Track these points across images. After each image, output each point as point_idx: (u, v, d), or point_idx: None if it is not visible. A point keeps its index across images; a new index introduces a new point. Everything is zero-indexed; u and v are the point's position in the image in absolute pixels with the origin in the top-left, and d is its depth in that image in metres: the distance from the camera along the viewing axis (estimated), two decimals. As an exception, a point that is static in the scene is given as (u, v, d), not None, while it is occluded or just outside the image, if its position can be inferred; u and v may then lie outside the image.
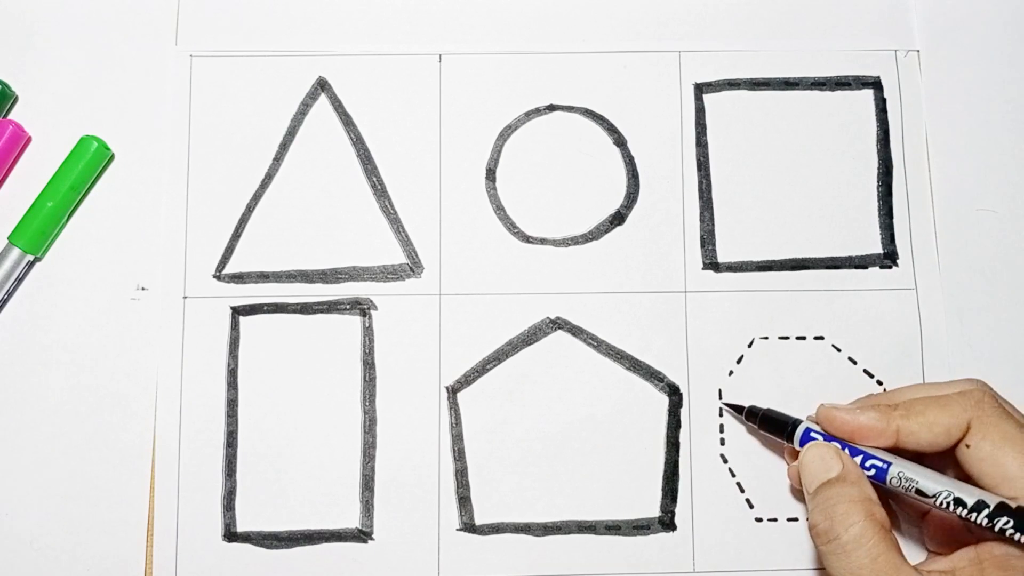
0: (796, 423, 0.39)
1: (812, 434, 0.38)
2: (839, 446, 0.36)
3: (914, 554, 0.40)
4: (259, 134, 0.44)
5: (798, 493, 0.41)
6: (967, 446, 0.34)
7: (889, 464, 0.35)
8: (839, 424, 0.37)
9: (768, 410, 0.40)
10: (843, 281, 0.43)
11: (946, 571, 0.34)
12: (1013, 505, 0.32)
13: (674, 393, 0.42)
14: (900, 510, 0.40)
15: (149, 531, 0.41)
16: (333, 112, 0.44)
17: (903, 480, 0.35)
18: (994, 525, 0.32)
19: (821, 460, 0.36)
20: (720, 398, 0.42)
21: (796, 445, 0.38)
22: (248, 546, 0.41)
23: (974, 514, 0.33)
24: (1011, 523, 0.32)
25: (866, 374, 0.42)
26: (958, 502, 0.33)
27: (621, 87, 0.45)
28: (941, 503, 0.33)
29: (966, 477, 0.35)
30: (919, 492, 0.34)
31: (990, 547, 0.34)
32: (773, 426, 0.40)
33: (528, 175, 0.44)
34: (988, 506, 0.32)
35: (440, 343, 0.42)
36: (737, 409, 0.41)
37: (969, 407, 0.35)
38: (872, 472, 0.36)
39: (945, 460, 0.36)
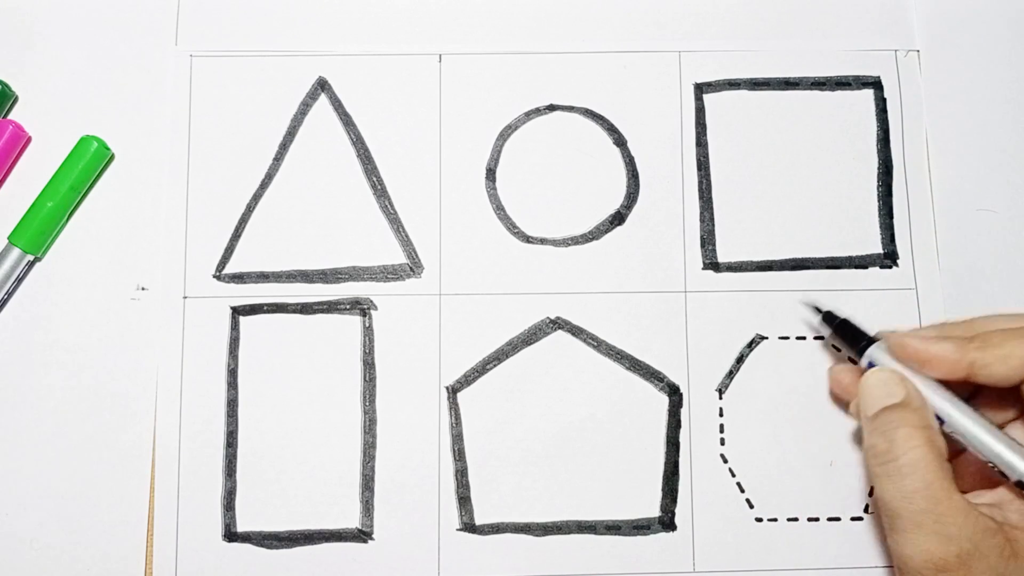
0: (871, 341, 0.38)
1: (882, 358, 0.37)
2: (903, 373, 0.36)
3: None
4: (259, 134, 0.44)
5: (798, 492, 0.41)
6: None
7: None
8: (911, 351, 0.36)
9: (847, 320, 0.39)
10: (843, 281, 0.43)
11: (992, 503, 0.34)
12: None
13: (674, 393, 0.42)
14: None
15: (149, 531, 0.41)
16: (333, 112, 0.44)
17: (962, 437, 0.34)
18: None
19: (884, 385, 0.35)
20: (720, 398, 0.42)
21: (863, 363, 0.38)
22: (248, 546, 0.41)
23: None
24: None
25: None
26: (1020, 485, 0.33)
27: (621, 87, 0.45)
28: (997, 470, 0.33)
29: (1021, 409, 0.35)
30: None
31: None
32: (846, 337, 0.39)
33: (528, 175, 0.44)
34: None
35: (440, 343, 0.42)
36: (815, 309, 0.40)
37: None
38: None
39: (1009, 394, 0.36)
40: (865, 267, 0.43)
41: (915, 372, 0.36)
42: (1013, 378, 0.34)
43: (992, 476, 0.35)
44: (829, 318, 0.40)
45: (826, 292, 0.43)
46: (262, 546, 0.41)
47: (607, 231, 0.44)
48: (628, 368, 0.42)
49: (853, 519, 0.41)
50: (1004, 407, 0.37)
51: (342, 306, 0.43)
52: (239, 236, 0.43)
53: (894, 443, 0.34)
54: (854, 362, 0.39)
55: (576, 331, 0.43)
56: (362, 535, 0.41)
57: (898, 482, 0.33)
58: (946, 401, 0.35)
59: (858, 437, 0.42)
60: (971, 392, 0.37)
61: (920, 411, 0.35)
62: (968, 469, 0.38)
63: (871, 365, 0.37)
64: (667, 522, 0.41)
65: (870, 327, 0.42)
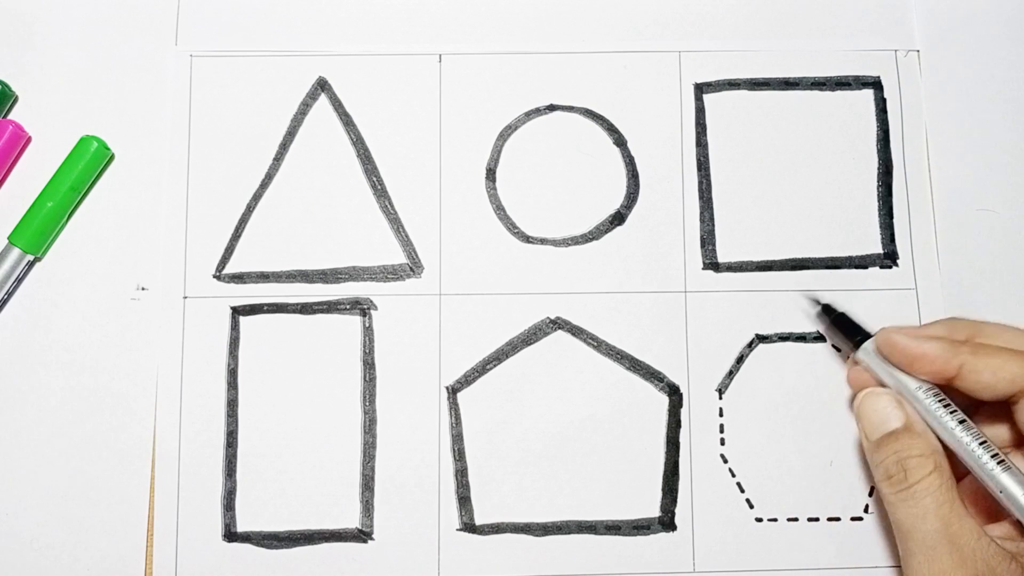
0: (865, 338, 0.38)
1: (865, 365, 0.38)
2: (896, 394, 0.36)
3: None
4: (259, 134, 0.44)
5: (798, 492, 0.41)
6: None
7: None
8: (901, 349, 0.36)
9: (843, 314, 0.39)
10: (843, 281, 0.43)
11: (1003, 536, 0.34)
12: None
13: (674, 393, 0.42)
14: None
15: (149, 531, 0.41)
16: (333, 112, 0.44)
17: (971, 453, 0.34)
18: None
19: (882, 410, 0.36)
20: (720, 398, 0.42)
21: (857, 356, 0.38)
22: (248, 546, 0.41)
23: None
24: None
25: (866, 374, 0.42)
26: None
27: (621, 87, 0.45)
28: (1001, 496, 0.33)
29: (1017, 435, 0.35)
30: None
31: None
32: (843, 331, 0.39)
33: (528, 175, 0.44)
34: None
35: (440, 343, 0.42)
36: (813, 301, 0.41)
37: None
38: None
39: (996, 412, 0.36)
40: (865, 267, 0.43)
41: (906, 374, 0.36)
42: (1000, 391, 0.34)
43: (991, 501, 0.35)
44: (827, 310, 0.40)
45: (826, 292, 0.43)
46: (262, 546, 0.41)
47: (607, 231, 0.44)
48: (628, 368, 0.42)
49: (853, 519, 0.41)
50: (996, 426, 0.37)
51: (342, 306, 0.43)
52: (239, 236, 0.43)
53: (908, 471, 0.34)
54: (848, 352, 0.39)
55: (576, 331, 0.43)
56: (362, 535, 0.41)
57: (913, 507, 0.34)
58: (943, 414, 0.35)
59: (858, 437, 0.42)
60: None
61: (925, 435, 0.35)
62: (969, 495, 0.38)
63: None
64: (667, 522, 0.41)
65: (870, 326, 0.42)
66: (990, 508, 0.36)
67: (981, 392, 0.34)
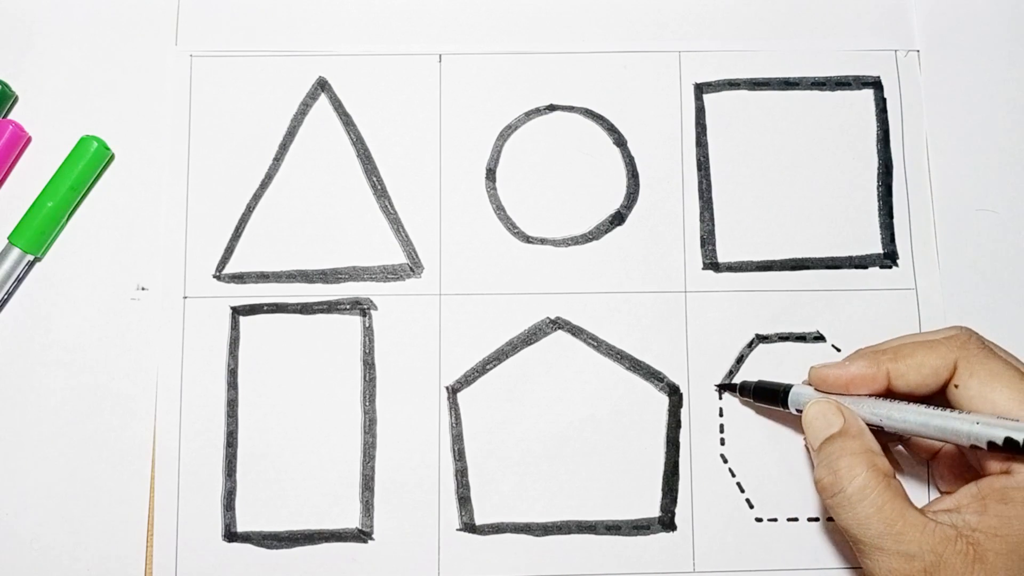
0: (787, 388, 0.39)
1: (804, 393, 0.38)
2: (839, 402, 0.37)
3: (921, 497, 0.41)
4: (259, 134, 0.44)
5: (798, 492, 0.41)
6: (955, 386, 0.35)
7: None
8: (832, 379, 0.37)
9: (759, 381, 0.41)
10: (843, 281, 0.43)
11: (950, 509, 0.34)
12: (1019, 437, 0.32)
13: (674, 393, 0.42)
14: (910, 453, 0.41)
15: (149, 531, 0.41)
16: (333, 112, 0.44)
17: (901, 421, 0.35)
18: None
19: (823, 416, 0.36)
20: (720, 398, 0.42)
21: (791, 410, 0.39)
22: (248, 546, 0.41)
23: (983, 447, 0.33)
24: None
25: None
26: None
27: (621, 87, 0.45)
28: (960, 440, 0.34)
29: None
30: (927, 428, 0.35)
31: (990, 481, 0.34)
32: (766, 396, 0.40)
33: (528, 175, 0.44)
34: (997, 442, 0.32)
35: (440, 343, 0.42)
36: (730, 388, 0.42)
37: (955, 348, 0.36)
38: (876, 419, 0.36)
39: (937, 403, 0.36)
40: (865, 267, 0.43)
41: (845, 397, 0.37)
42: (929, 385, 0.36)
43: (967, 464, 0.36)
44: (744, 390, 0.41)
45: (826, 292, 0.43)
46: (262, 546, 0.41)
47: (607, 231, 0.44)
48: (628, 368, 0.42)
49: (853, 519, 0.41)
50: None
51: (342, 306, 0.43)
52: (239, 236, 0.43)
53: (838, 473, 0.35)
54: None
55: (576, 331, 0.43)
56: (362, 535, 0.41)
57: (850, 511, 0.34)
58: (879, 404, 0.36)
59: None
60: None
61: (859, 437, 0.35)
62: (946, 469, 0.39)
63: (799, 411, 0.38)
64: (667, 522, 0.41)
65: (868, 329, 0.43)
66: (965, 471, 0.37)
67: (915, 391, 0.36)
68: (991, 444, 0.32)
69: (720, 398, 0.42)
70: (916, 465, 0.41)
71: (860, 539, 0.34)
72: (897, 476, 0.35)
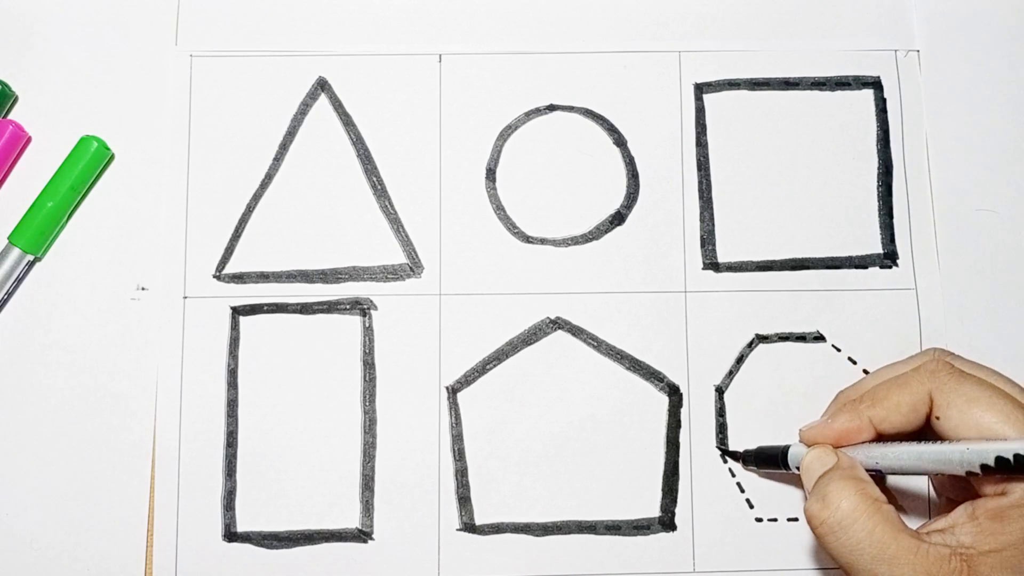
0: (785, 450, 0.39)
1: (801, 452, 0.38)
2: (832, 448, 0.37)
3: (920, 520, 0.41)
4: (259, 134, 0.44)
5: (798, 492, 0.41)
6: (937, 418, 0.35)
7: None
8: (821, 439, 0.37)
9: (758, 449, 0.41)
10: (843, 281, 0.43)
11: (943, 529, 0.34)
12: (1008, 455, 0.32)
13: (674, 393, 0.42)
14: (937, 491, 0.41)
15: (149, 531, 0.41)
16: (333, 112, 0.44)
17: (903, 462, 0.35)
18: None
19: (818, 459, 0.36)
20: (720, 398, 0.42)
21: (792, 469, 0.39)
22: (248, 546, 0.41)
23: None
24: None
25: (866, 374, 0.42)
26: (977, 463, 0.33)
27: (621, 87, 0.45)
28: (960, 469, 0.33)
29: None
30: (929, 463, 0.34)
31: (984, 501, 0.34)
32: (767, 461, 0.40)
33: (528, 175, 0.44)
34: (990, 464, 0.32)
35: (440, 343, 0.42)
36: (733, 456, 0.42)
37: (925, 380, 0.35)
38: (873, 463, 0.36)
39: (929, 436, 0.36)
40: (865, 267, 0.43)
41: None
42: (912, 422, 0.36)
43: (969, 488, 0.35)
44: (746, 458, 0.41)
45: (826, 292, 0.43)
46: (262, 546, 0.41)
47: (607, 231, 0.44)
48: (628, 368, 0.42)
49: (853, 519, 0.41)
50: None
51: (342, 306, 0.43)
52: (239, 236, 0.43)
53: (826, 500, 0.34)
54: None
55: (576, 331, 0.43)
56: (362, 535, 0.41)
57: (841, 538, 0.33)
58: (872, 449, 0.36)
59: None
60: None
61: (849, 468, 0.35)
62: (950, 494, 0.39)
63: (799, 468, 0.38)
64: (667, 522, 0.41)
65: (868, 329, 0.43)
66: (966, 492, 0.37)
67: (903, 430, 0.36)
68: (984, 467, 0.32)
69: (725, 461, 0.42)
70: (914, 495, 0.41)
71: (853, 566, 0.33)
72: (894, 508, 0.34)
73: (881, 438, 0.36)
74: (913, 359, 0.38)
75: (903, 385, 0.36)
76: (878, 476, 0.36)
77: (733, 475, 0.42)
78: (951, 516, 0.35)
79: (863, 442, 0.36)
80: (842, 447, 0.37)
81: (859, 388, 0.39)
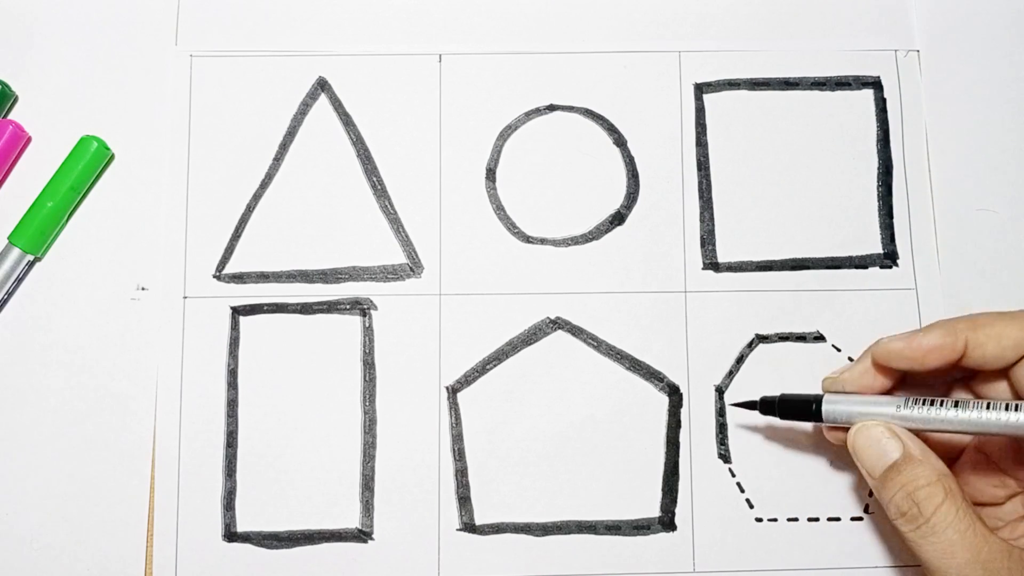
0: (818, 399, 0.37)
1: (839, 408, 0.36)
2: (887, 424, 0.35)
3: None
4: (259, 134, 0.44)
5: (798, 492, 0.41)
6: None
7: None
8: (907, 354, 0.35)
9: (783, 396, 0.38)
10: (843, 281, 0.43)
11: (1003, 526, 0.34)
12: None
13: (674, 393, 0.42)
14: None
15: (149, 531, 0.41)
16: (333, 112, 0.44)
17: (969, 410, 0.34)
18: None
19: (877, 443, 0.35)
20: (720, 398, 0.42)
21: (825, 422, 0.37)
22: (248, 546, 0.41)
23: None
24: None
25: (866, 374, 0.42)
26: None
27: (621, 87, 0.45)
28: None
29: (1016, 397, 0.34)
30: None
31: None
32: (795, 411, 0.38)
33: (528, 175, 0.44)
34: None
35: (440, 343, 0.42)
36: (748, 405, 0.40)
37: None
38: (934, 425, 0.34)
39: (994, 381, 0.35)
40: (865, 267, 0.43)
41: (880, 400, 0.36)
42: (1007, 358, 0.34)
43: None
44: (765, 406, 0.39)
45: (826, 292, 0.43)
46: (262, 546, 0.41)
47: (607, 231, 0.44)
48: (628, 368, 0.42)
49: (853, 519, 0.41)
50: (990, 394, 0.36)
51: (342, 306, 0.43)
52: (239, 236, 0.43)
53: (920, 504, 0.33)
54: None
55: (576, 331, 0.43)
56: (362, 535, 0.41)
57: (934, 540, 0.32)
58: (929, 410, 0.34)
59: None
60: (947, 389, 0.37)
61: (927, 462, 0.34)
62: (969, 471, 0.38)
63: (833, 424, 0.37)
64: (667, 522, 0.41)
65: (868, 329, 0.42)
66: (999, 474, 0.36)
67: (989, 363, 0.34)
68: None
69: (722, 416, 0.42)
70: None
71: (943, 570, 0.32)
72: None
73: (958, 370, 0.34)
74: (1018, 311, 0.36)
75: (1013, 318, 0.34)
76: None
77: (733, 475, 0.42)
78: (1004, 511, 0.34)
79: (937, 370, 0.34)
80: (889, 401, 0.35)
81: (968, 316, 0.36)
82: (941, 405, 0.34)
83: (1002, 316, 0.34)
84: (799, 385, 0.42)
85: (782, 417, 0.38)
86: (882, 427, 0.35)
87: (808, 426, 0.42)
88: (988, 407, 0.33)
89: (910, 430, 0.35)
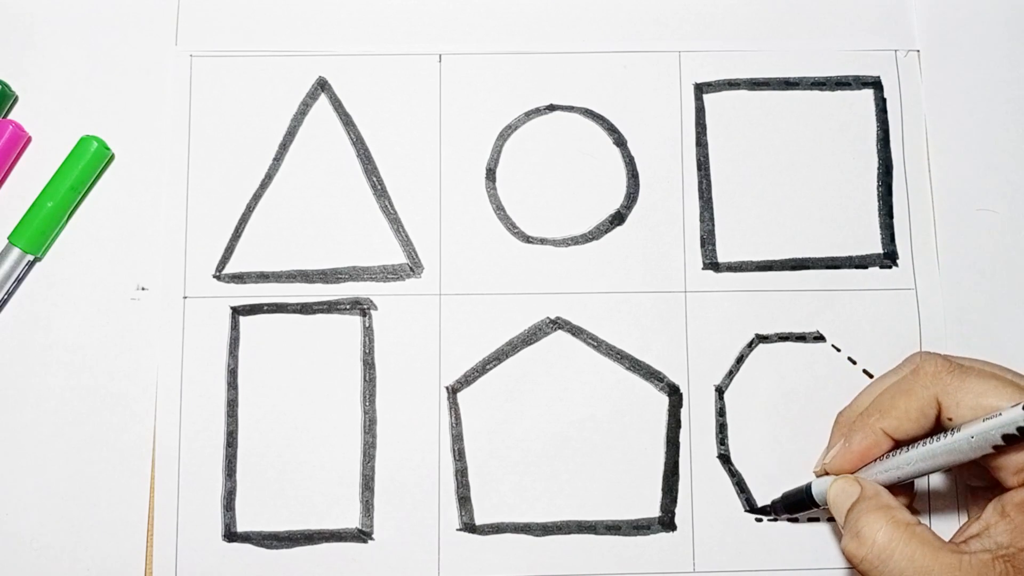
0: (807, 487, 0.39)
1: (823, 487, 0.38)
2: (854, 476, 0.37)
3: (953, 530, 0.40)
4: (259, 134, 0.44)
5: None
6: (949, 419, 0.35)
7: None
8: (846, 464, 0.37)
9: (783, 496, 0.41)
10: (843, 281, 0.43)
11: (979, 533, 0.34)
12: (1012, 429, 0.32)
13: (674, 393, 0.42)
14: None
15: (149, 531, 0.41)
16: (333, 112, 0.44)
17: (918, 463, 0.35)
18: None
19: (843, 491, 0.37)
20: (720, 398, 0.42)
21: (820, 505, 0.39)
22: (248, 546, 0.41)
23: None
24: None
25: (866, 374, 0.42)
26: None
27: (621, 87, 0.45)
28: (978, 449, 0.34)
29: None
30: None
31: (1011, 495, 0.34)
32: (795, 505, 0.40)
33: (528, 175, 0.44)
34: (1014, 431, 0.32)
35: (440, 343, 0.42)
36: (763, 511, 0.41)
37: (928, 384, 0.36)
38: (894, 475, 0.36)
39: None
40: (865, 267, 0.43)
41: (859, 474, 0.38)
42: (925, 426, 0.36)
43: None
44: (774, 508, 0.41)
45: (826, 292, 0.43)
46: (262, 546, 0.41)
47: (607, 231, 0.44)
48: (628, 368, 0.42)
49: (853, 519, 0.41)
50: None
51: (342, 306, 0.43)
52: (239, 236, 0.43)
53: (861, 536, 0.34)
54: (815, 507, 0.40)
55: (576, 331, 0.43)
56: (362, 535, 0.41)
57: (883, 569, 0.33)
58: (886, 462, 0.36)
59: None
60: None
61: (876, 496, 0.35)
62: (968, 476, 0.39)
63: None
64: (667, 522, 0.41)
65: (868, 329, 0.43)
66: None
67: (917, 435, 0.36)
68: (997, 447, 0.32)
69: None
70: (945, 499, 0.41)
71: None
72: (923, 521, 0.35)
73: (898, 446, 0.37)
74: (903, 365, 0.38)
75: (907, 392, 0.36)
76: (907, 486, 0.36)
77: (733, 475, 0.42)
78: (983, 518, 0.35)
79: (878, 458, 0.37)
80: (862, 468, 0.37)
81: (856, 406, 0.39)
82: (896, 454, 0.36)
83: (899, 392, 0.36)
84: (799, 385, 0.42)
85: (788, 512, 0.41)
86: (847, 478, 0.37)
87: (808, 426, 0.42)
88: (927, 442, 0.35)
89: (881, 482, 0.36)
